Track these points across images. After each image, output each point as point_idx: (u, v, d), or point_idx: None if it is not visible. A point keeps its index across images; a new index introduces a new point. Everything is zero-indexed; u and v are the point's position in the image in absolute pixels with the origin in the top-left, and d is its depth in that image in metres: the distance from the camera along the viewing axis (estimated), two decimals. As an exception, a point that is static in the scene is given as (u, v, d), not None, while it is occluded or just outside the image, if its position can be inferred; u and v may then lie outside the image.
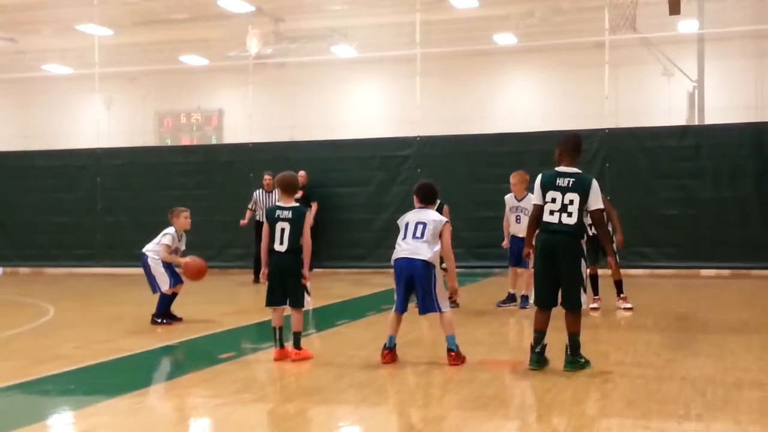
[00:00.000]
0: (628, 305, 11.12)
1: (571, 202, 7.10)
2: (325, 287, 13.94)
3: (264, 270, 7.96)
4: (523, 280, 11.32)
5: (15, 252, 19.31)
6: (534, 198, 7.38)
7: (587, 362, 7.21)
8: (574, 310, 7.17)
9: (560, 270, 7.13)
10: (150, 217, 15.65)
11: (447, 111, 24.00)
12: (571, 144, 7.35)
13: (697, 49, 21.86)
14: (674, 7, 16.61)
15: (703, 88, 22.07)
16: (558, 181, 7.18)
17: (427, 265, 7.40)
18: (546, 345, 7.24)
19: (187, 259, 10.36)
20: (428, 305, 7.45)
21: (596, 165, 16.09)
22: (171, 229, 10.42)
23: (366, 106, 28.21)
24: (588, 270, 10.00)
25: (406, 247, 7.52)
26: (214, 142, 28.94)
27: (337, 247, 17.37)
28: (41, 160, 19.55)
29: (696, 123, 21.47)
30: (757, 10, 20.85)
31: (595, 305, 11.01)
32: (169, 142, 29.55)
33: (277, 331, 7.85)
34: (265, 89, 23.86)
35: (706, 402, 6.07)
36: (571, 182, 7.14)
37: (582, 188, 7.13)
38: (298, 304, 7.82)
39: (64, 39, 25.45)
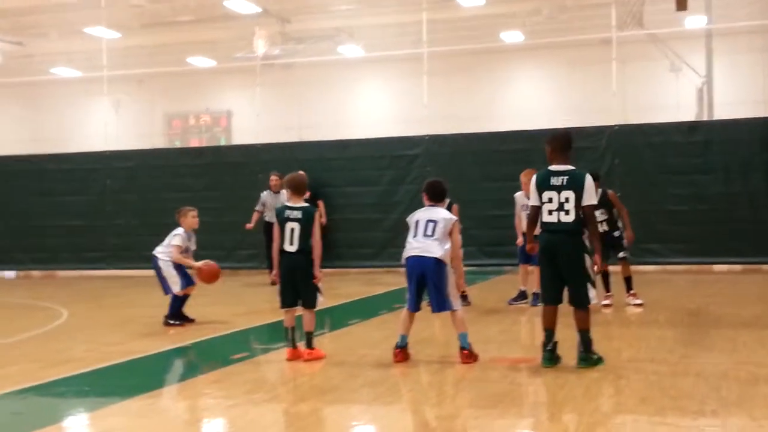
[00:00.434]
0: (638, 301, 11.10)
1: (567, 200, 7.10)
2: (336, 287, 13.94)
3: (275, 271, 7.98)
4: (534, 278, 11.28)
5: (27, 255, 19.38)
6: (531, 199, 7.39)
7: (600, 359, 7.19)
8: (581, 307, 7.16)
9: (563, 268, 7.14)
10: (160, 218, 15.63)
11: (455, 109, 23.98)
12: (561, 141, 7.33)
13: (705, 45, 21.78)
14: (681, 3, 16.58)
15: (711, 84, 21.99)
16: (552, 180, 7.17)
17: (438, 263, 7.38)
18: (557, 342, 7.23)
19: (201, 264, 10.36)
20: (441, 303, 7.43)
21: (605, 162, 15.99)
22: (180, 230, 10.42)
23: (373, 105, 28.27)
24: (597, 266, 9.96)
25: (416, 245, 7.51)
26: (223, 143, 28.99)
27: (347, 246, 17.37)
28: (51, 163, 19.58)
29: (705, 118, 21.40)
30: (765, 5, 20.81)
31: (607, 302, 10.98)
32: (177, 144, 29.62)
33: (290, 332, 7.86)
34: (272, 90, 23.88)
35: (720, 398, 6.05)
36: (565, 180, 7.14)
37: (576, 185, 7.12)
38: (310, 304, 7.83)
39: (72, 42, 25.56)
